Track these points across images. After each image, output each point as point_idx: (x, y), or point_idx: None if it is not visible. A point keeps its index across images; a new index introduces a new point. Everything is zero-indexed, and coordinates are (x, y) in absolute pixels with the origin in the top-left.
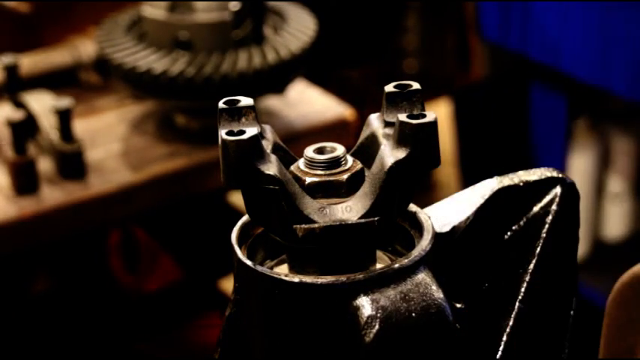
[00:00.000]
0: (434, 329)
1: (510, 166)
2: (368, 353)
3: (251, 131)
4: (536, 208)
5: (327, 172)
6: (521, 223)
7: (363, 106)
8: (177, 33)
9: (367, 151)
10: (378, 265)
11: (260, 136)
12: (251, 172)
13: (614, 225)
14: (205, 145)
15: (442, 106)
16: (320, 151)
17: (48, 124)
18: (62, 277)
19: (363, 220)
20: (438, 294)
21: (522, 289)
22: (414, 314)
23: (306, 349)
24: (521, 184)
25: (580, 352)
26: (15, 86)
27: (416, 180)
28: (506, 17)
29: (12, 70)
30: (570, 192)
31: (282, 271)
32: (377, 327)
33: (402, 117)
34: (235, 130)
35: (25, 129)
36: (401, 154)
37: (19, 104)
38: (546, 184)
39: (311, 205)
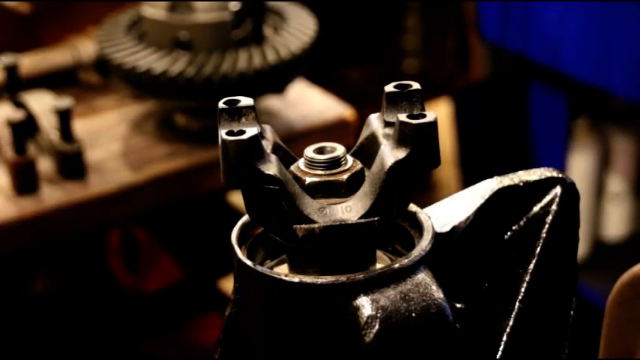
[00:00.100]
0: (434, 329)
1: (510, 166)
2: (368, 353)
3: (251, 131)
4: (536, 208)
5: (327, 172)
6: (521, 223)
7: (363, 106)
8: (177, 33)
9: (367, 151)
10: (378, 265)
11: (260, 136)
12: (251, 172)
13: (614, 225)
14: (205, 145)
15: (442, 106)
16: (320, 151)
17: (48, 124)
18: (62, 278)
19: (363, 220)
20: (438, 294)
21: (522, 289)
22: (414, 314)
23: (306, 349)
24: (521, 184)
25: (580, 352)
26: (15, 86)
27: (416, 180)
28: (506, 17)
29: (12, 70)
30: (570, 192)
31: (282, 271)
32: (377, 327)
33: (402, 117)
34: (235, 130)
35: (25, 129)
36: (401, 154)
37: (19, 104)
38: (546, 184)
39: (311, 205)
